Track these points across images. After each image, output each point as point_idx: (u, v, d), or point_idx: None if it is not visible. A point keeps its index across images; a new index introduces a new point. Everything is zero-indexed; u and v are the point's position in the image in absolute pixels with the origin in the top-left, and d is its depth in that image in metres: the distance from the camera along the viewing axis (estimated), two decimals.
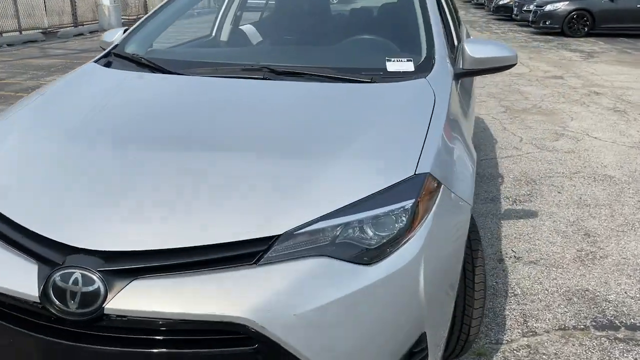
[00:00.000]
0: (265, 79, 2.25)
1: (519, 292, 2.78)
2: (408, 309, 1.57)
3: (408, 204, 1.60)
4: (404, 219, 1.59)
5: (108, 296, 1.40)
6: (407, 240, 1.58)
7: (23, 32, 13.44)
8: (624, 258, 3.14)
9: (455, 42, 3.29)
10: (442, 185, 1.73)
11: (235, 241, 1.44)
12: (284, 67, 2.32)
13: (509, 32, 15.74)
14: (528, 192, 4.09)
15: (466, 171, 1.96)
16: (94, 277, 1.41)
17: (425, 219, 1.63)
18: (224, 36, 3.72)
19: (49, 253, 1.46)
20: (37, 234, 1.50)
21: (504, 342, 2.41)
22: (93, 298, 1.40)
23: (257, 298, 1.39)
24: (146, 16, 2.90)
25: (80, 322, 1.41)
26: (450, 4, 3.51)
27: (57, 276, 1.42)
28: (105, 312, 1.40)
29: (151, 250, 1.43)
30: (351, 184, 1.62)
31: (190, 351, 1.40)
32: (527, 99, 7.24)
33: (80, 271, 1.42)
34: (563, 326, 2.52)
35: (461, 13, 22.04)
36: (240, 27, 3.74)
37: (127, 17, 17.92)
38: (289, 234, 1.48)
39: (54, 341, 1.44)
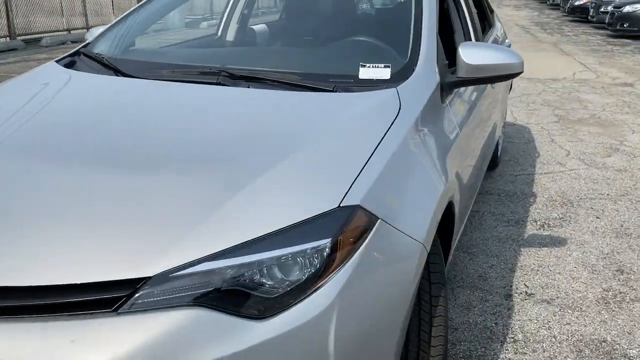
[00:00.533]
0: (220, 84, 2.00)
1: (520, 338, 2.38)
2: None
3: (323, 243, 1.31)
4: (316, 262, 1.30)
5: None
6: (317, 289, 1.28)
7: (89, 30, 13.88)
8: None
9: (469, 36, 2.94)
10: (379, 221, 1.42)
11: (90, 282, 1.20)
12: (244, 71, 2.07)
13: (582, 34, 14.73)
14: (561, 216, 3.62)
15: (425, 204, 1.62)
16: None
17: (346, 263, 1.32)
18: (230, 36, 3.51)
19: None
20: None
21: None
22: None
23: (107, 356, 1.15)
24: (126, 13, 2.72)
25: None
26: (469, 4, 3.11)
27: None
28: None
29: (16, 287, 1.21)
30: (258, 217, 1.34)
31: None
32: (586, 108, 6.62)
33: None
34: None
35: (534, 14, 21.04)
36: (252, 26, 3.52)
37: (194, 16, 18.23)
38: (163, 276, 1.22)
39: None
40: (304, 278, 1.29)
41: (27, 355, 1.16)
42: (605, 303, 2.65)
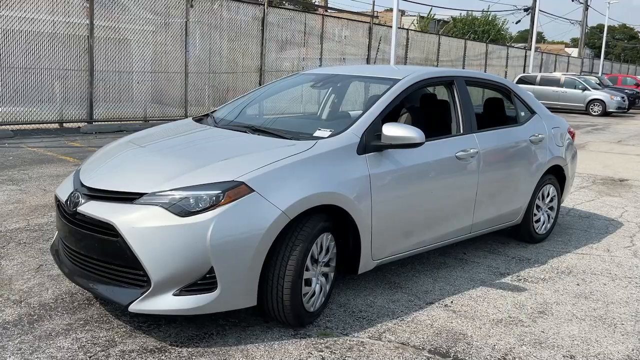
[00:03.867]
0: (245, 132, 3.79)
1: (408, 320, 3.51)
2: (197, 247, 2.87)
3: (218, 192, 2.96)
4: (214, 199, 2.95)
5: (81, 205, 3.15)
6: (210, 210, 2.92)
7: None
8: None
9: (459, 130, 4.25)
10: (254, 192, 3.01)
11: (126, 191, 3.06)
12: (262, 127, 3.84)
13: None
14: (546, 278, 4.38)
15: (297, 194, 3.09)
16: (80, 196, 3.19)
17: (227, 204, 2.94)
18: (324, 115, 5.28)
19: (77, 184, 3.32)
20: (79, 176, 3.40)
21: None
22: (76, 205, 3.17)
23: (123, 216, 2.96)
24: (237, 98, 4.73)
25: (70, 214, 3.20)
26: (462, 105, 4.39)
27: (73, 194, 3.26)
28: (77, 211, 3.15)
29: (98, 188, 3.15)
30: (196, 177, 3.06)
31: (96, 234, 3.04)
32: None
33: (78, 192, 3.22)
34: None
35: None
36: (350, 112, 5.24)
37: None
38: (151, 194, 3.01)
39: (65, 223, 3.26)
40: (207, 205, 2.94)
41: (100, 210, 3.04)
42: (498, 322, 3.56)
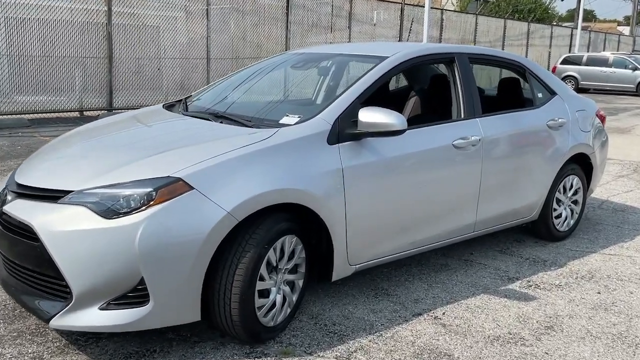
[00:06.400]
0: (207, 119, 3.36)
1: (389, 335, 3.02)
2: (124, 255, 2.46)
3: (149, 190, 2.54)
4: (144, 198, 2.53)
5: (7, 203, 2.79)
6: (138, 211, 2.50)
7: None
8: None
9: (460, 115, 3.72)
10: (194, 190, 2.57)
11: (51, 188, 2.67)
12: (225, 113, 3.40)
13: None
14: (562, 284, 3.81)
15: (245, 192, 2.64)
16: (8, 193, 2.83)
17: (160, 205, 2.51)
18: (319, 100, 4.79)
19: (11, 180, 2.96)
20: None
21: None
22: (4, 203, 2.81)
23: (43, 217, 2.57)
24: (218, 80, 4.28)
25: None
26: (463, 87, 3.82)
27: (2, 191, 2.91)
28: (3, 211, 2.79)
29: (26, 185, 2.78)
30: (128, 173, 2.64)
31: (18, 237, 2.66)
32: None
33: (7, 189, 2.87)
34: None
35: None
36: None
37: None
38: (78, 192, 2.61)
39: None
40: (137, 205, 2.52)
41: (22, 210, 2.67)
42: (494, 340, 3.04)
